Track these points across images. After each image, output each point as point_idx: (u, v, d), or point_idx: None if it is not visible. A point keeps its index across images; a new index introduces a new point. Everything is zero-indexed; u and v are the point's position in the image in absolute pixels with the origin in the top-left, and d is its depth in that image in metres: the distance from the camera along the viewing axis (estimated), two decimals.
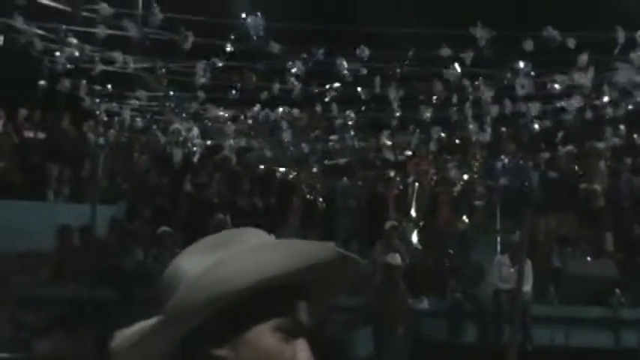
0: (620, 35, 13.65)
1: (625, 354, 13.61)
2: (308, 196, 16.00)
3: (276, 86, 14.66)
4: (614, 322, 14.10)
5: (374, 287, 12.66)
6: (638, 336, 13.93)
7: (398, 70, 14.19)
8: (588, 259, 15.38)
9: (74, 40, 13.58)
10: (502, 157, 17.05)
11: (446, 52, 13.71)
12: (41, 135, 17.09)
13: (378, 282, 12.66)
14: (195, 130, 15.92)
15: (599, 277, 14.61)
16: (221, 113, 15.59)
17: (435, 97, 15.60)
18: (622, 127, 17.40)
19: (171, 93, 15.30)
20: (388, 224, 14.80)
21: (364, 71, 14.18)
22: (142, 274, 13.57)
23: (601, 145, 17.34)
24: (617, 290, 14.43)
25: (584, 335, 13.95)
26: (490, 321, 13.71)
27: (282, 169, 16.78)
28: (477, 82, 15.13)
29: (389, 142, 16.87)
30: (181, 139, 15.96)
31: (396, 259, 12.65)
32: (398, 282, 12.56)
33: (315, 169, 17.12)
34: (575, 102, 15.77)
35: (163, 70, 14.20)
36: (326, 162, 17.43)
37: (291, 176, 16.65)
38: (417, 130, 16.82)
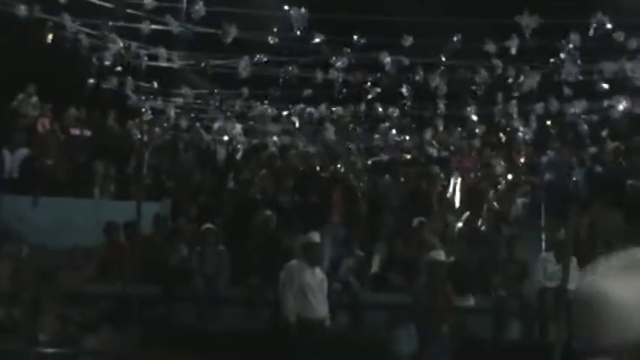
0: None
1: None
2: (351, 193, 15.93)
3: (320, 80, 14.66)
4: None
5: (418, 285, 12.57)
6: None
7: (442, 68, 14.16)
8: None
9: (119, 37, 13.71)
10: (547, 152, 16.95)
11: (491, 47, 13.66)
12: (87, 133, 17.33)
13: (423, 280, 12.54)
14: (239, 128, 15.98)
15: None
16: (265, 109, 15.57)
17: (479, 89, 15.53)
18: None
19: (216, 90, 15.37)
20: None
21: (407, 62, 14.12)
22: (187, 271, 13.77)
23: None
24: None
25: None
26: (535, 319, 13.63)
27: (325, 167, 16.79)
28: (522, 74, 15.02)
29: (432, 139, 16.84)
30: (225, 136, 16.02)
31: (441, 255, 12.44)
32: (443, 279, 12.33)
33: (358, 166, 17.15)
34: (623, 97, 15.65)
35: (207, 65, 14.25)
36: (371, 160, 17.45)
37: (333, 174, 16.67)
38: (460, 128, 16.79)
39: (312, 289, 11.84)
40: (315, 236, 12.33)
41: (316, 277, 11.97)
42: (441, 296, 12.14)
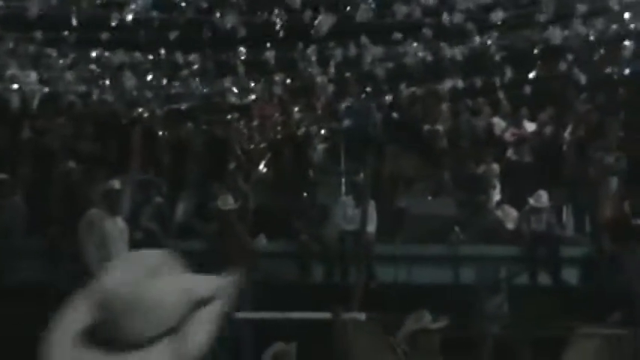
0: None
1: (463, 289, 14.09)
2: (152, 140, 15.94)
3: (116, 22, 14.42)
4: (453, 259, 14.63)
5: (209, 231, 12.91)
6: (475, 272, 14.51)
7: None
8: (429, 198, 15.91)
9: None
10: (346, 99, 17.37)
11: None
12: None
13: (213, 226, 12.90)
14: (34, 75, 15.58)
15: (439, 216, 15.07)
16: (60, 54, 15.24)
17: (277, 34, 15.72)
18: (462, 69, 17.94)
19: (6, 35, 14.86)
20: (229, 167, 15.18)
21: (204, 5, 14.12)
22: None
23: (442, 87, 17.87)
24: (456, 228, 14.97)
25: (425, 272, 14.35)
26: (336, 261, 14.04)
27: (125, 114, 16.71)
28: (317, 19, 15.26)
29: (233, 87, 16.98)
30: (18, 84, 15.62)
31: (226, 202, 12.72)
32: (233, 225, 12.63)
33: (158, 114, 17.14)
34: (417, 44, 16.22)
35: None
36: (172, 107, 17.47)
37: (134, 121, 16.57)
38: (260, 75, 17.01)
39: (113, 238, 11.80)
40: (115, 183, 12.27)
41: (117, 226, 11.93)
42: (232, 241, 12.39)
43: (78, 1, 13.55)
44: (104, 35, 14.15)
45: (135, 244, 13.08)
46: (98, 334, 2.19)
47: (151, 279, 2.12)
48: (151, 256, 2.20)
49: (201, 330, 2.16)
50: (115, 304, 2.11)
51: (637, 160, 15.96)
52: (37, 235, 13.75)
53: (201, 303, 2.18)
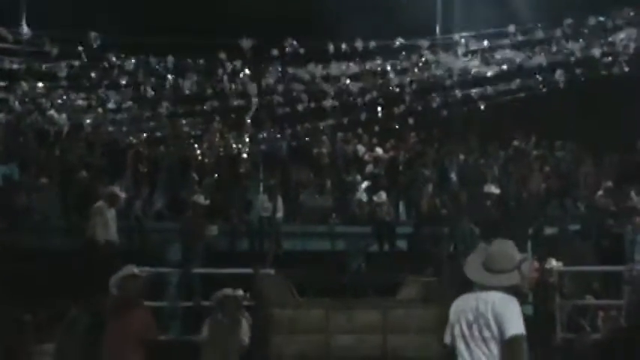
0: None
1: (337, 254, 14.49)
2: (140, 158, 16.05)
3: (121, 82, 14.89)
4: (330, 235, 15.12)
5: (185, 217, 12.97)
6: (345, 243, 14.95)
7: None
8: (317, 196, 16.17)
9: None
10: (263, 132, 17.77)
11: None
12: None
13: (188, 214, 12.98)
14: (63, 115, 15.74)
15: (322, 207, 15.67)
16: (79, 102, 15.53)
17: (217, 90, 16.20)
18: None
19: (40, 84, 15.07)
20: (189, 175, 15.45)
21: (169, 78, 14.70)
22: (28, 210, 14.07)
23: (323, 124, 18.58)
24: (333, 214, 15.62)
25: (313, 243, 14.83)
26: (256, 236, 14.35)
27: (122, 140, 16.98)
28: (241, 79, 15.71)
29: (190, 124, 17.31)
30: (54, 119, 15.77)
31: (201, 199, 12.88)
32: (201, 215, 12.77)
33: (142, 140, 17.41)
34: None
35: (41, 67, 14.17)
36: (150, 135, 17.79)
37: (129, 145, 16.82)
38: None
39: (110, 222, 12.25)
40: (115, 189, 12.73)
41: (112, 214, 12.38)
42: (198, 225, 12.58)
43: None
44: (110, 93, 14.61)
45: (129, 224, 13.76)
46: (487, 264, 3.64)
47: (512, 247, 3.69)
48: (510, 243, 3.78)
49: (525, 268, 3.65)
50: (491, 251, 3.70)
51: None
52: (64, 218, 14.12)
53: (523, 260, 3.69)
